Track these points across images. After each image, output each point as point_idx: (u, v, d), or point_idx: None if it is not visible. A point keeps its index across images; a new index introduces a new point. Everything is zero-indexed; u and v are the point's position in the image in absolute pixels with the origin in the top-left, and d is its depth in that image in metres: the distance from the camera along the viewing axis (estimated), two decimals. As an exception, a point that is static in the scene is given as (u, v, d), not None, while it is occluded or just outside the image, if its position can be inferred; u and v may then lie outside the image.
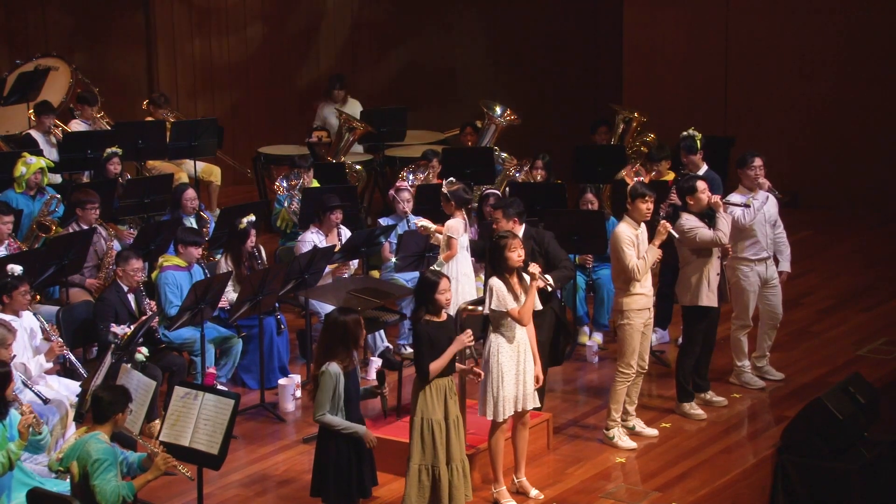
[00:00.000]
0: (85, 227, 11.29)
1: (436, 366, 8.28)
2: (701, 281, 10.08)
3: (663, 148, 12.75)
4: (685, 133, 11.86)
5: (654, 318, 10.19)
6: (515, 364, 8.74)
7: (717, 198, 10.12)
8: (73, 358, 9.69)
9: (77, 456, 7.42)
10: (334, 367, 7.91)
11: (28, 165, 12.00)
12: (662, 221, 9.74)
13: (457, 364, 8.55)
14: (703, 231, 10.03)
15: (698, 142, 11.78)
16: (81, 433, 7.55)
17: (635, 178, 12.32)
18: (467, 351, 8.60)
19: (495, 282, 8.69)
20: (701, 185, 10.15)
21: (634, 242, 9.63)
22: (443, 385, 8.33)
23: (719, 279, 10.14)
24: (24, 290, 9.34)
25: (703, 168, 11.75)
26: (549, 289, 8.99)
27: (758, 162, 10.67)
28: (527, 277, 8.75)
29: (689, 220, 10.07)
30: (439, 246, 10.69)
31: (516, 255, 8.69)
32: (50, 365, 9.46)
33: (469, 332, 8.40)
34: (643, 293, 9.69)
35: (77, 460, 7.42)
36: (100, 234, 11.47)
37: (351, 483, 7.98)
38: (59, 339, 9.52)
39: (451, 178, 10.95)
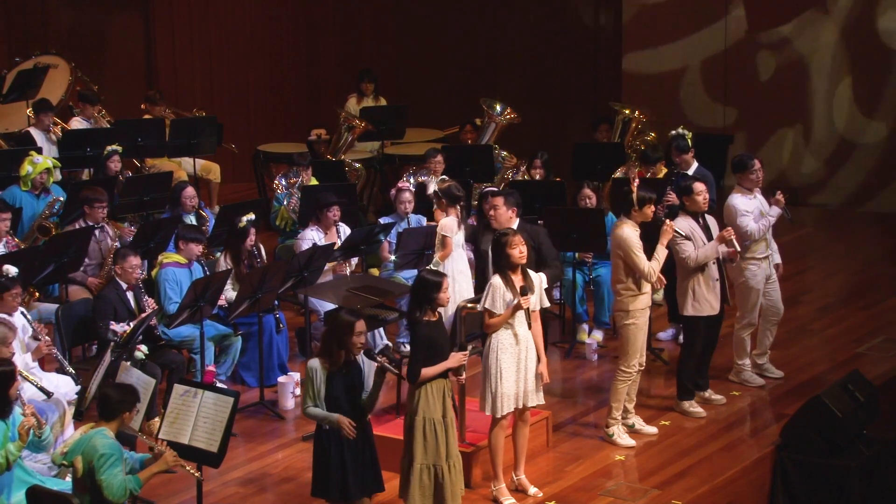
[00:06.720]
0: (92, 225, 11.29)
1: (428, 373, 8.22)
2: (691, 290, 10.07)
3: (657, 149, 12.76)
4: (675, 132, 11.98)
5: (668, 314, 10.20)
6: (516, 361, 8.74)
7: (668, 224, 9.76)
8: (59, 356, 9.60)
9: (82, 450, 7.42)
10: (313, 363, 7.95)
11: (35, 165, 12.01)
12: (668, 221, 9.70)
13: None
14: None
15: (689, 140, 11.84)
16: (87, 429, 7.55)
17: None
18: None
19: (495, 280, 8.70)
20: (698, 186, 10.12)
21: (641, 245, 9.61)
22: (441, 385, 8.29)
23: (719, 284, 10.12)
24: (15, 293, 9.30)
25: (694, 166, 11.84)
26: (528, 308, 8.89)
27: (758, 165, 10.65)
28: (532, 275, 8.79)
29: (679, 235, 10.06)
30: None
31: (517, 251, 8.69)
32: (35, 365, 9.40)
33: (466, 352, 8.35)
34: (648, 292, 9.68)
35: (82, 455, 7.42)
36: (106, 233, 11.46)
37: (329, 482, 7.97)
38: (47, 339, 9.48)
39: (443, 177, 10.97)
